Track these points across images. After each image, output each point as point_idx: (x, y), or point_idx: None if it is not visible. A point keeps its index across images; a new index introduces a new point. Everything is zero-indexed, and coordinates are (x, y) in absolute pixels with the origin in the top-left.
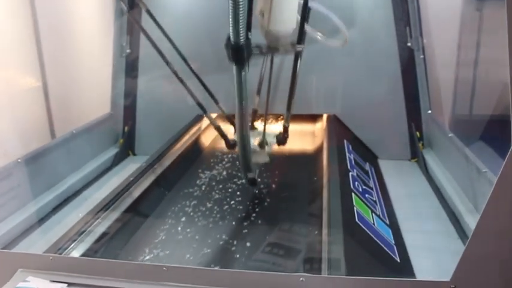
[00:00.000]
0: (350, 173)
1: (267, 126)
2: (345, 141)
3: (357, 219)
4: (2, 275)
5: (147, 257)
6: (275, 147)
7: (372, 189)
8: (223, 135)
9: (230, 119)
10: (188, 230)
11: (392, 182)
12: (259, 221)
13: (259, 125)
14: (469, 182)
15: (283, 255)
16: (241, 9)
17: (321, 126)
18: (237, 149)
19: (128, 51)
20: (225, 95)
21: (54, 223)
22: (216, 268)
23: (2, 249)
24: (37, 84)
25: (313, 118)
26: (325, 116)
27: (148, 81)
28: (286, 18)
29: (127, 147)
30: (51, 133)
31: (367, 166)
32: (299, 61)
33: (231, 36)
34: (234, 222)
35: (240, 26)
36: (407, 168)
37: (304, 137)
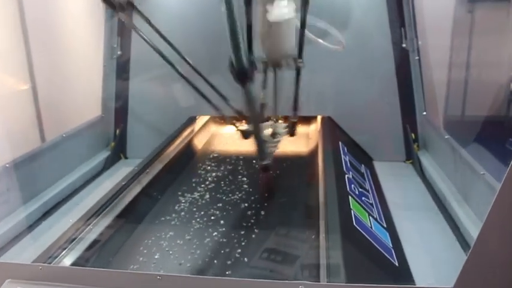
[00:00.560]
0: (346, 176)
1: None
2: (340, 143)
3: (354, 223)
4: None
5: (141, 264)
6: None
7: (368, 191)
8: (238, 128)
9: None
10: (183, 235)
11: (388, 184)
12: (258, 225)
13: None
14: (466, 184)
15: (281, 262)
16: (240, 39)
17: (315, 128)
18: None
19: (119, 52)
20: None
21: (44, 230)
22: (213, 277)
23: None
24: (26, 87)
25: (307, 120)
26: (319, 118)
27: (140, 83)
28: (285, 42)
29: (118, 151)
30: (41, 136)
31: (362, 168)
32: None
33: (234, 63)
34: (230, 227)
35: (241, 53)
36: (402, 170)
37: (299, 139)
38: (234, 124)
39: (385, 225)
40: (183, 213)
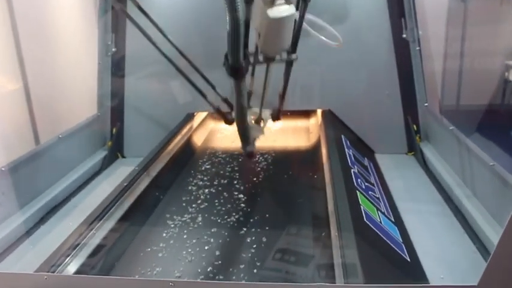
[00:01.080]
0: (352, 170)
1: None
2: (343, 136)
3: (365, 219)
4: None
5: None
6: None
7: (373, 185)
8: (221, 113)
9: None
10: (191, 236)
11: (392, 176)
12: (266, 222)
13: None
14: (473, 175)
15: (295, 262)
16: (241, 39)
17: (316, 121)
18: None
19: (114, 49)
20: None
21: (43, 235)
22: (228, 281)
23: None
24: (17, 86)
25: (307, 113)
26: (319, 111)
27: (136, 80)
28: (284, 38)
29: (116, 150)
30: (35, 138)
31: (366, 161)
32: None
33: (230, 60)
34: (236, 226)
35: (240, 49)
36: (405, 162)
37: (300, 133)
38: (218, 109)
39: (393, 220)
40: (187, 214)
